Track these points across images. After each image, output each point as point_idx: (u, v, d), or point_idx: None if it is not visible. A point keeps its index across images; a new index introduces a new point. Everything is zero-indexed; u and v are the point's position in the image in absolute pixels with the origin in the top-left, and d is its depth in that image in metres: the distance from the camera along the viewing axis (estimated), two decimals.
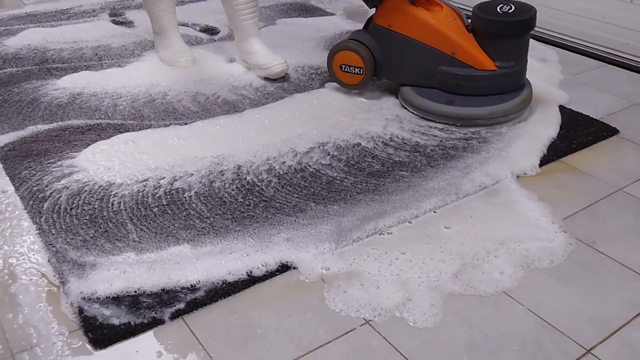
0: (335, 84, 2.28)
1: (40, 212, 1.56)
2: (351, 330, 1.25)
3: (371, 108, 2.14)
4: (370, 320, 1.27)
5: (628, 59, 2.65)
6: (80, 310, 1.26)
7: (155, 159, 1.80)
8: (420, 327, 1.26)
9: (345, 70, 2.18)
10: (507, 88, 2.03)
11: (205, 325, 1.25)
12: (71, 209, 1.58)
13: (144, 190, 1.66)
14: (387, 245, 1.48)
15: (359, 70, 2.15)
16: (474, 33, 2.03)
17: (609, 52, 2.70)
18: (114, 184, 1.68)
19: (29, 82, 2.28)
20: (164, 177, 1.72)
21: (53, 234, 1.49)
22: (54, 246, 1.45)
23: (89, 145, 1.86)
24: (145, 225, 1.52)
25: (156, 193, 1.65)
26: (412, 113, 2.09)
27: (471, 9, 2.07)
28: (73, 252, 1.43)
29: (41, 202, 1.60)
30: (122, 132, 1.94)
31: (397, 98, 2.19)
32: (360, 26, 2.94)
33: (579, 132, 2.02)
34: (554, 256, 1.46)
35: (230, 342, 1.21)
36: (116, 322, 1.24)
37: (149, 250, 1.44)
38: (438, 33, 2.02)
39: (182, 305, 1.29)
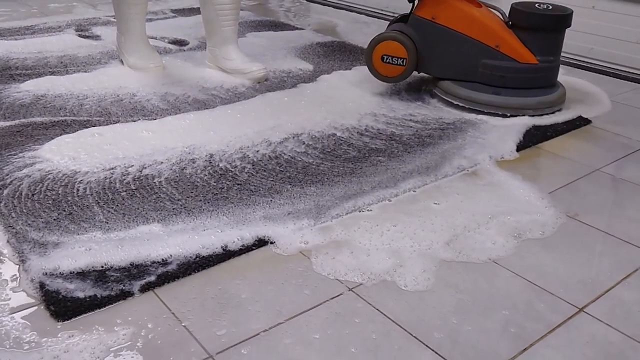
0: (306, 84, 2.26)
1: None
2: (335, 297, 1.18)
3: (345, 105, 2.12)
4: (359, 284, 1.21)
5: (592, 63, 2.71)
6: (42, 285, 1.17)
7: (123, 149, 1.73)
8: (411, 290, 1.20)
9: (387, 61, 2.15)
10: (546, 82, 2.08)
11: (178, 297, 1.17)
12: (33, 194, 1.49)
13: (111, 177, 1.58)
14: (378, 218, 1.43)
15: (402, 62, 2.14)
16: (513, 28, 2.06)
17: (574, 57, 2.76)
18: (79, 172, 1.60)
19: None
20: (133, 165, 1.65)
21: (13, 217, 1.39)
22: (13, 228, 1.35)
23: (53, 139, 1.78)
24: (112, 207, 1.44)
25: (124, 179, 1.57)
26: (457, 105, 2.11)
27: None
28: (34, 232, 1.33)
29: (1, 189, 1.51)
30: (89, 127, 1.86)
31: (434, 92, 2.21)
32: (331, 40, 2.96)
33: (552, 122, 2.03)
34: (545, 228, 1.43)
35: (205, 312, 1.13)
36: (81, 295, 1.15)
37: (116, 230, 1.35)
38: (483, 26, 2.04)
39: (152, 278, 1.20)
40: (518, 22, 2.05)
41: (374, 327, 1.10)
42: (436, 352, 1.05)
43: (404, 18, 2.20)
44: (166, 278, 1.21)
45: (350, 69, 2.49)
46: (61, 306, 1.12)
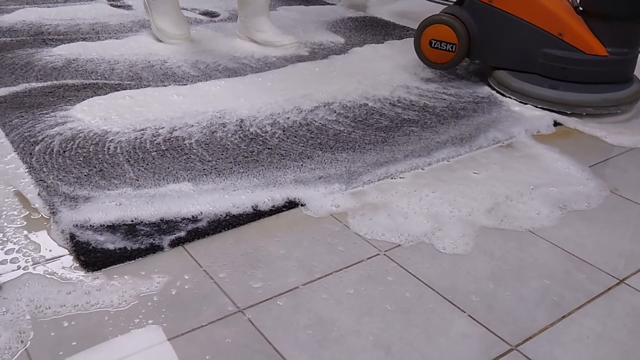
0: (343, 54, 2.22)
1: (31, 154, 1.47)
2: (368, 258, 1.16)
3: (377, 76, 2.08)
4: (397, 245, 1.18)
5: None
6: (72, 236, 1.16)
7: (154, 112, 1.72)
8: (449, 253, 1.17)
9: (436, 46, 2.01)
10: (618, 77, 1.85)
11: (207, 253, 1.16)
12: (64, 151, 1.49)
13: (141, 137, 1.57)
14: (415, 184, 1.40)
15: (452, 47, 1.98)
16: (583, 15, 1.85)
17: None
18: (110, 132, 1.60)
19: (23, 49, 2.21)
20: (163, 127, 1.63)
21: (44, 172, 1.39)
22: (44, 182, 1.35)
23: (84, 100, 1.78)
24: (142, 166, 1.43)
25: (154, 140, 1.56)
26: (510, 98, 1.92)
27: None
28: (65, 187, 1.33)
29: (32, 145, 1.51)
30: (120, 91, 1.86)
31: (488, 83, 2.04)
32: (363, 15, 2.92)
33: None
34: (590, 200, 1.39)
35: (235, 268, 1.11)
36: (111, 247, 1.14)
37: (146, 187, 1.34)
38: (545, 11, 1.84)
39: (182, 234, 1.19)
40: (589, 7, 1.83)
41: (407, 289, 1.08)
42: (470, 316, 1.02)
43: (460, 1, 2.04)
44: (196, 234, 1.20)
45: (382, 43, 2.45)
46: (91, 257, 1.11)
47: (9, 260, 1.10)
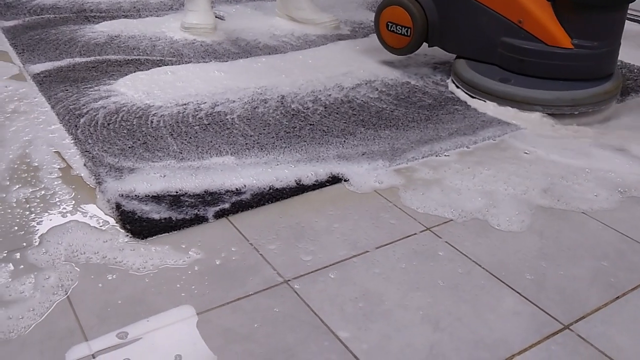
0: None
1: (76, 126, 1.48)
2: (414, 234, 1.14)
3: (419, 56, 2.04)
4: (449, 220, 1.16)
5: None
6: (118, 206, 1.17)
7: (195, 87, 1.72)
8: (504, 230, 1.14)
9: (392, 29, 1.84)
10: (583, 73, 1.60)
11: (251, 225, 1.15)
12: (108, 124, 1.50)
13: (184, 112, 1.57)
14: (468, 162, 1.38)
15: (407, 32, 1.80)
16: (553, 2, 1.63)
17: None
18: (152, 106, 1.60)
19: (67, 26, 2.23)
20: (205, 102, 1.63)
21: (89, 144, 1.40)
22: (90, 153, 1.36)
23: (127, 75, 1.79)
24: (185, 139, 1.43)
25: (197, 115, 1.56)
26: (462, 90, 1.72)
27: None
28: (110, 158, 1.34)
29: (78, 117, 1.52)
30: (162, 66, 1.86)
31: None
32: None
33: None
34: None
35: (280, 241, 1.11)
36: (156, 216, 1.14)
37: (190, 160, 1.34)
38: None
39: (226, 206, 1.19)
40: None
41: (455, 265, 1.06)
42: (521, 294, 1.00)
43: None
44: (240, 206, 1.19)
45: None
46: (137, 225, 1.12)
47: (56, 212, 1.11)
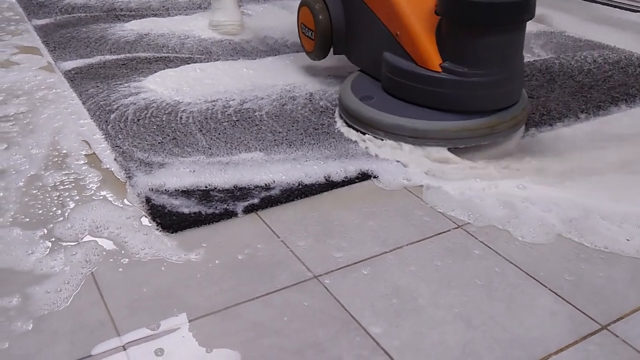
0: None
1: (107, 121, 1.49)
2: (446, 231, 1.12)
3: None
4: (467, 223, 1.14)
5: None
6: (148, 200, 1.17)
7: (224, 84, 1.72)
8: (528, 242, 1.11)
9: (303, 31, 1.69)
10: (449, 102, 1.33)
11: (280, 220, 1.14)
12: (138, 120, 1.50)
13: (213, 108, 1.58)
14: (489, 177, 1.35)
15: (312, 35, 1.64)
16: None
17: None
18: (182, 102, 1.61)
19: (97, 24, 2.25)
20: (234, 99, 1.63)
21: (120, 139, 1.41)
22: (120, 148, 1.37)
23: (156, 72, 1.80)
24: (214, 135, 1.43)
25: (225, 111, 1.56)
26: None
27: None
28: (140, 153, 1.35)
29: (108, 113, 1.54)
30: (190, 64, 1.87)
31: None
32: None
33: None
34: None
35: (309, 236, 1.10)
36: (186, 210, 1.14)
37: (219, 155, 1.34)
38: (388, 3, 1.41)
39: (256, 201, 1.18)
40: (437, 7, 1.32)
41: (487, 263, 1.04)
42: (556, 293, 0.97)
43: None
44: (269, 202, 1.19)
45: None
46: (166, 219, 1.12)
47: (88, 196, 1.12)
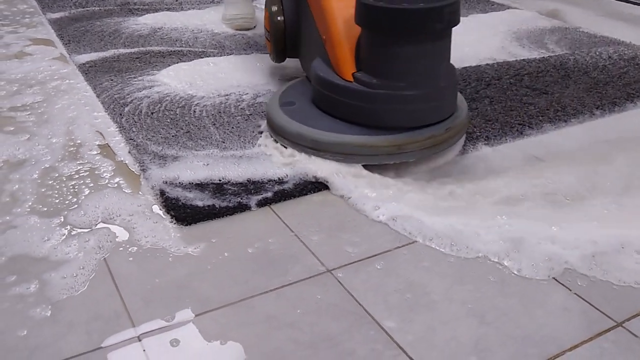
0: None
1: (121, 114, 1.50)
2: None
3: (462, 49, 2.01)
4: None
5: None
6: (162, 193, 1.18)
7: (237, 78, 1.72)
8: (528, 277, 1.06)
9: (265, 33, 1.63)
10: (363, 117, 1.24)
11: (294, 214, 1.15)
12: (152, 113, 1.51)
13: (226, 102, 1.58)
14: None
15: (268, 35, 1.58)
16: None
17: None
18: (195, 96, 1.61)
19: (111, 18, 2.26)
20: (247, 93, 1.64)
21: (134, 132, 1.42)
22: (134, 141, 1.37)
23: (170, 65, 1.81)
24: (228, 129, 1.44)
25: (239, 105, 1.57)
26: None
27: None
28: (154, 146, 1.35)
29: (122, 106, 1.55)
30: (204, 58, 1.87)
31: None
32: None
33: None
34: None
35: (322, 230, 1.10)
36: (200, 203, 1.15)
37: (233, 149, 1.35)
38: (320, 6, 1.32)
39: (269, 195, 1.19)
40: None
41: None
42: (570, 289, 0.97)
43: None
44: (283, 195, 1.19)
45: (466, 16, 2.37)
46: (181, 212, 1.12)
47: (102, 184, 1.13)
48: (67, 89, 1.65)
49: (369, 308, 0.92)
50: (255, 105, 1.57)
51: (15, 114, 1.51)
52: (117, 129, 1.44)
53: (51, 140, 1.38)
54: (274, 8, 1.52)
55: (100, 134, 1.42)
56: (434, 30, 1.16)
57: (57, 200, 1.16)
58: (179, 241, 1.06)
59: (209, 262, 1.01)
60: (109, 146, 1.36)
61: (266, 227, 1.11)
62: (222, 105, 1.56)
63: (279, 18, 1.51)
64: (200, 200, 1.16)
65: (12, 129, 1.44)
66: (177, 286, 0.95)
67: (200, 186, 1.21)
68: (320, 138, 1.23)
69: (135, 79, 1.71)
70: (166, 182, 1.21)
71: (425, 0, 1.13)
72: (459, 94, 1.36)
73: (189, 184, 1.21)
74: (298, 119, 1.28)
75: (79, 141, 1.38)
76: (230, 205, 1.15)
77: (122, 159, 1.31)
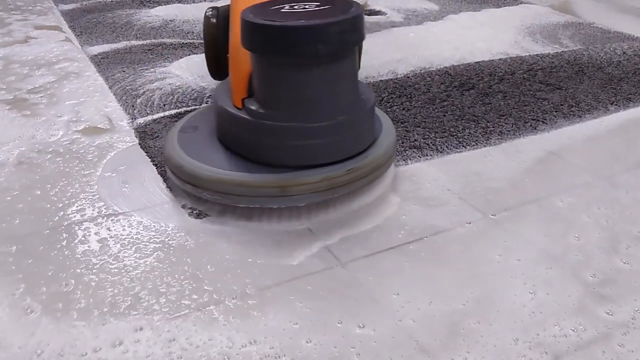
0: (432, 22, 2.15)
1: (133, 106, 1.51)
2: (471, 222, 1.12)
3: (475, 43, 2.00)
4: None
5: None
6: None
7: None
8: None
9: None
10: (252, 151, 1.05)
11: None
12: (164, 104, 1.51)
13: None
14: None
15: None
16: None
17: None
18: (207, 88, 1.61)
19: (123, 10, 2.27)
20: None
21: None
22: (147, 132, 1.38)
23: (182, 58, 1.81)
24: None
25: None
26: None
27: None
28: None
29: (134, 98, 1.55)
30: None
31: None
32: None
33: None
34: None
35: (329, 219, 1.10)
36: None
37: None
38: (235, 14, 1.14)
39: None
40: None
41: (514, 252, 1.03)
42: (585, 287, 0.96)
43: None
44: None
45: (479, 11, 2.35)
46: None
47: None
48: (79, 77, 1.66)
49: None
50: None
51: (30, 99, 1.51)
52: (129, 120, 1.44)
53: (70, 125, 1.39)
54: (212, 17, 1.34)
55: (112, 123, 1.42)
56: (317, 53, 0.95)
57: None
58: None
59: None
60: (121, 136, 1.37)
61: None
62: None
63: (212, 30, 1.34)
64: None
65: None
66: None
67: None
68: (196, 172, 1.04)
69: (148, 71, 1.71)
70: None
71: (309, 16, 0.94)
72: (389, 124, 1.16)
73: None
74: (186, 148, 1.09)
75: (95, 125, 1.39)
76: None
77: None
